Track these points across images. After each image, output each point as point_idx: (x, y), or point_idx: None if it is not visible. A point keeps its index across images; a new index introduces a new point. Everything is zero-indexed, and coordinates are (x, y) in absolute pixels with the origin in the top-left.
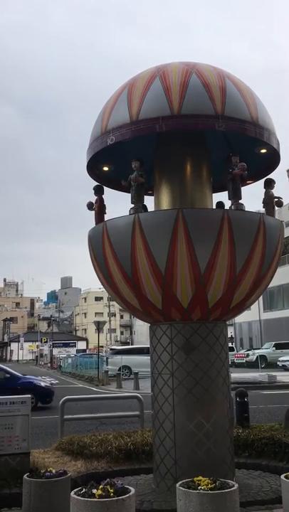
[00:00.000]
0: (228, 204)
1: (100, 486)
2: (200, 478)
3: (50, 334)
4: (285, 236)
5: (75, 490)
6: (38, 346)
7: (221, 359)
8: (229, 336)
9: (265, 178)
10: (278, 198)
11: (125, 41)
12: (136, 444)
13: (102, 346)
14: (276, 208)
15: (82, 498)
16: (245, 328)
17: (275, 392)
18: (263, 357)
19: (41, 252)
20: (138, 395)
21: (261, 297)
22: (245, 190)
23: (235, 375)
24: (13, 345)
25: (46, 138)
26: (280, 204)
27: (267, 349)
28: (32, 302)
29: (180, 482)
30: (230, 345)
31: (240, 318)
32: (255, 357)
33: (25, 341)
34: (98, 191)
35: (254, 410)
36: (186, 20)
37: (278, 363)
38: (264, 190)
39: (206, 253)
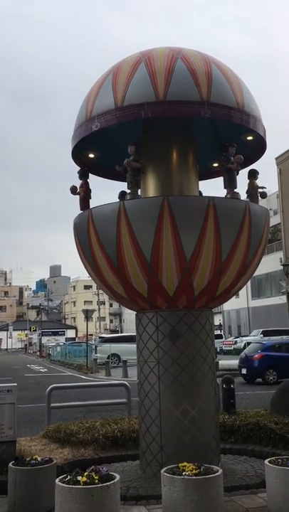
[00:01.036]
0: (220, 193)
1: (85, 473)
2: (185, 464)
3: (39, 323)
4: (273, 224)
5: (60, 477)
6: (27, 335)
7: (206, 346)
8: (218, 323)
9: (249, 169)
10: (262, 187)
11: (116, 28)
12: (123, 431)
13: (91, 334)
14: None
15: (67, 485)
16: (234, 316)
17: None
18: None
19: (30, 240)
20: (125, 382)
21: (249, 285)
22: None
23: (224, 362)
24: (2, 334)
25: (36, 127)
26: (264, 195)
27: (255, 336)
28: (21, 291)
29: (165, 468)
30: (218, 332)
31: (228, 306)
32: (243, 344)
33: (14, 330)
34: (83, 175)
35: (241, 396)
36: (178, 6)
37: None
38: (248, 180)
39: (192, 240)
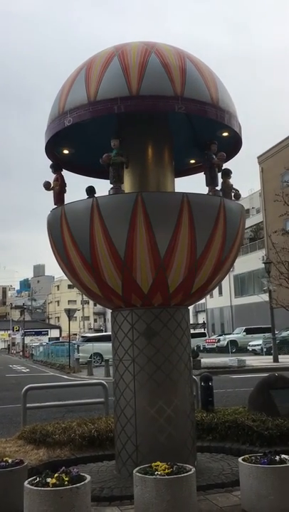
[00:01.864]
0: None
1: (55, 475)
2: (158, 463)
3: (22, 323)
4: (256, 223)
5: (29, 479)
6: (10, 335)
7: (182, 344)
8: (201, 321)
9: (222, 169)
10: (236, 190)
11: (97, 24)
12: (100, 430)
13: (75, 334)
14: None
15: (35, 488)
16: (217, 314)
17: (244, 376)
18: (233, 342)
19: (14, 240)
20: (103, 381)
21: (232, 283)
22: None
23: (206, 360)
24: None
25: (16, 124)
26: (237, 196)
27: (238, 334)
28: (4, 291)
29: (137, 468)
30: (202, 330)
31: (212, 304)
32: (226, 342)
33: None
34: (57, 169)
35: (222, 394)
36: (159, 4)
37: (248, 347)
38: (221, 179)
39: (166, 237)
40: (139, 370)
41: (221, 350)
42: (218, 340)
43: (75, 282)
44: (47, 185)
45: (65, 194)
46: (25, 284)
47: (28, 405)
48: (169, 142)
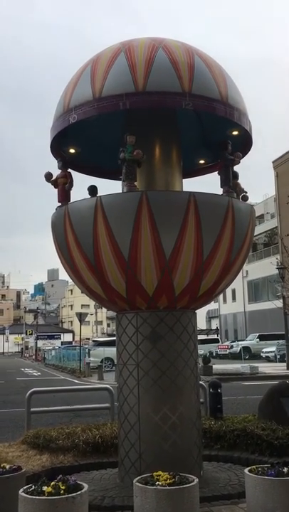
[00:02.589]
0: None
1: (52, 483)
2: (159, 473)
3: (35, 326)
4: (270, 228)
5: (25, 487)
6: (23, 338)
7: (188, 349)
8: (215, 327)
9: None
10: (245, 192)
11: (112, 31)
12: (104, 437)
13: (88, 338)
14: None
15: (30, 496)
16: (230, 320)
17: (256, 383)
18: (246, 348)
19: (29, 244)
20: (109, 386)
21: (246, 289)
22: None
23: (218, 366)
24: None
25: (32, 129)
26: (245, 198)
27: (251, 340)
28: (18, 294)
29: (138, 478)
30: (215, 336)
31: (225, 310)
32: (239, 348)
33: (10, 333)
34: (65, 165)
35: (232, 401)
36: (176, 10)
37: (262, 354)
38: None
39: (172, 238)
40: (143, 375)
41: (234, 357)
42: (231, 347)
43: (79, 284)
44: (48, 176)
45: (71, 192)
46: (39, 288)
47: (32, 409)
48: (177, 141)
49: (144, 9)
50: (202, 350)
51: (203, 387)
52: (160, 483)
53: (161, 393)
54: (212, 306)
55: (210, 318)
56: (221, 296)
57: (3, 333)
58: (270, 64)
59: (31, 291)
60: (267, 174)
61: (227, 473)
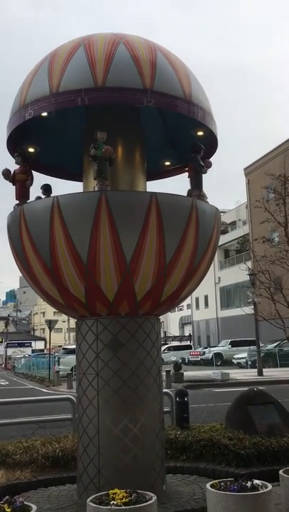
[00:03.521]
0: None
1: None
2: (116, 491)
3: (5, 334)
4: (242, 234)
5: None
6: None
7: (151, 357)
8: (187, 334)
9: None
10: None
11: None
12: (65, 450)
13: (60, 346)
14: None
15: None
16: (203, 326)
17: (227, 389)
18: (218, 355)
19: (0, 250)
20: (70, 396)
21: (218, 295)
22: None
23: (189, 373)
24: None
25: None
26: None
27: (223, 347)
28: None
29: (91, 497)
30: (188, 343)
31: (198, 316)
32: (211, 355)
33: None
34: (24, 160)
35: (202, 409)
36: (148, 19)
37: (233, 360)
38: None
39: (132, 240)
40: (103, 384)
41: (206, 363)
42: (203, 353)
43: (36, 289)
44: (6, 173)
45: (30, 189)
46: (11, 295)
47: None
48: (141, 141)
49: (115, 15)
50: (175, 356)
51: (170, 396)
52: (115, 502)
53: (121, 404)
54: (185, 312)
55: (183, 324)
56: (193, 303)
57: None
58: (242, 71)
59: (3, 298)
60: (239, 181)
61: (192, 486)
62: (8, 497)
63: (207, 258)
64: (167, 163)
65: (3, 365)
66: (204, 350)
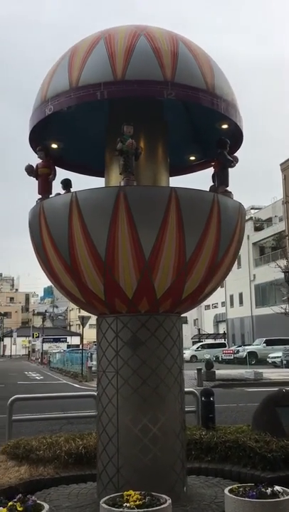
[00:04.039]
0: None
1: (9, 503)
2: (130, 492)
3: (41, 329)
4: (278, 231)
5: None
6: (30, 341)
7: (172, 355)
8: (222, 332)
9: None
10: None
11: None
12: (88, 447)
13: (94, 341)
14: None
15: None
16: (238, 324)
17: (259, 389)
18: (253, 353)
19: None
20: (94, 393)
21: (253, 293)
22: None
23: (222, 372)
24: (7, 340)
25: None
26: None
27: (257, 345)
28: (27, 297)
29: (105, 498)
30: (222, 341)
31: (232, 314)
32: (245, 353)
33: (18, 336)
34: (47, 154)
35: (232, 409)
36: (186, 16)
37: (268, 359)
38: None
39: (151, 236)
40: (123, 383)
41: (240, 362)
42: (237, 351)
43: (58, 286)
44: (29, 169)
45: (53, 184)
46: (48, 291)
47: (14, 417)
48: (164, 135)
49: (153, 12)
50: (208, 354)
51: (195, 395)
52: (128, 504)
53: (141, 403)
54: (219, 310)
55: (217, 322)
56: (228, 300)
57: (11, 336)
58: (281, 67)
59: (40, 293)
60: (275, 177)
61: (214, 489)
62: (20, 495)
63: (230, 254)
64: (192, 158)
65: (39, 360)
66: (238, 348)
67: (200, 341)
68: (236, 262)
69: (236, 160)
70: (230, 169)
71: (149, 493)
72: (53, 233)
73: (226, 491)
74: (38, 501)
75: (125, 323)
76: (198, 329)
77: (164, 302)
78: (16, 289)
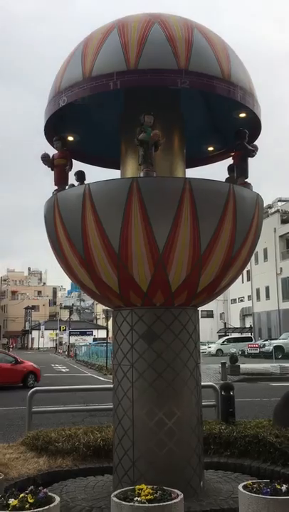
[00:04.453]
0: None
1: (20, 495)
2: (142, 486)
3: (68, 322)
4: None
5: None
6: (57, 334)
7: (188, 349)
8: (248, 326)
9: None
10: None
11: None
12: (106, 440)
13: None
14: None
15: None
16: (264, 318)
17: (285, 384)
18: (279, 347)
19: None
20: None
21: (280, 286)
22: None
23: (247, 366)
24: (34, 333)
25: None
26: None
27: (284, 339)
28: (54, 291)
29: (117, 492)
30: (249, 335)
31: (258, 308)
32: (271, 347)
33: (45, 329)
34: (63, 144)
35: (255, 404)
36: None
37: None
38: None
39: (165, 229)
40: (138, 376)
41: (266, 356)
42: (263, 346)
43: (73, 279)
44: (45, 157)
45: (68, 174)
46: (75, 285)
47: (33, 409)
48: (180, 126)
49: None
50: (234, 348)
51: (215, 389)
52: (139, 498)
53: (156, 397)
54: (246, 303)
55: (244, 316)
56: (254, 294)
57: (39, 329)
58: None
59: (67, 287)
60: None
61: (232, 484)
62: (32, 487)
63: (247, 247)
64: (210, 149)
65: (66, 353)
66: (264, 342)
67: (226, 335)
68: (262, 255)
69: (256, 148)
70: (259, 162)
71: (162, 487)
72: (67, 226)
73: (240, 487)
74: (50, 493)
75: (140, 316)
76: (225, 323)
77: (179, 295)
78: (44, 283)
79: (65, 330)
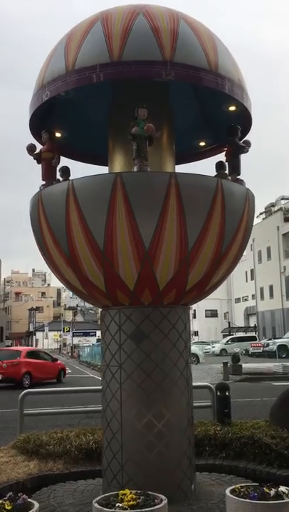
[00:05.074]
0: None
1: None
2: (126, 491)
3: (72, 323)
4: None
5: None
6: (61, 335)
7: (177, 349)
8: (252, 325)
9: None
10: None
11: None
12: (99, 442)
13: None
14: None
15: None
16: (268, 317)
17: (287, 383)
18: (283, 347)
19: None
20: None
21: (284, 285)
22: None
23: (249, 365)
24: (39, 335)
25: None
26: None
27: (288, 339)
28: (58, 292)
29: (99, 497)
30: (253, 334)
31: (262, 307)
32: (275, 347)
33: (49, 330)
34: (52, 138)
35: (255, 404)
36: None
37: None
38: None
39: (150, 225)
40: (126, 377)
41: (270, 355)
42: (267, 345)
43: (59, 278)
44: (31, 148)
45: (56, 169)
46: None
47: (25, 411)
48: (169, 120)
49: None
50: (238, 348)
51: (211, 390)
52: (121, 504)
53: (145, 398)
54: (250, 303)
55: (248, 315)
56: (258, 293)
57: (43, 330)
58: None
59: None
60: None
61: (225, 487)
62: (11, 493)
63: (237, 243)
64: (202, 144)
65: (69, 354)
66: (268, 341)
67: (230, 335)
68: (266, 254)
69: (249, 144)
70: (259, 161)
71: (146, 492)
72: (51, 223)
73: (228, 491)
74: (29, 500)
75: (128, 316)
76: (229, 322)
77: (167, 294)
78: (48, 284)
79: (68, 331)
